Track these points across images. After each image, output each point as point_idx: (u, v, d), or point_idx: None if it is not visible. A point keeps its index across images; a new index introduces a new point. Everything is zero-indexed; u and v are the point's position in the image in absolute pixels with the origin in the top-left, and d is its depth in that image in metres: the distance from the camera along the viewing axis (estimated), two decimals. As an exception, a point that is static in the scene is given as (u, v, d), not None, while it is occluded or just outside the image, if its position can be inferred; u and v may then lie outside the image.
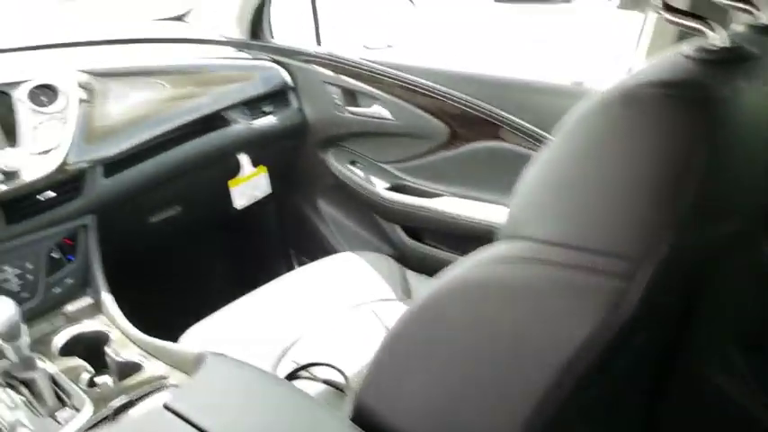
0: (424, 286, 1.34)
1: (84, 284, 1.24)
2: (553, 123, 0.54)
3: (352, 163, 1.61)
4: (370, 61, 1.43)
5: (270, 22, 1.64)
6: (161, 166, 1.34)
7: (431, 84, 1.32)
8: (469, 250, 0.57)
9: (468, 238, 1.35)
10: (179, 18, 1.78)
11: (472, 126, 1.34)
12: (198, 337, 1.14)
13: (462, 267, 0.55)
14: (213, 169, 1.49)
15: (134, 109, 1.31)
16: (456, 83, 1.30)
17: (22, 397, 0.99)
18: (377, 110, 1.47)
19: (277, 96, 1.58)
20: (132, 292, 1.29)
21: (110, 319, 1.18)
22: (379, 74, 1.40)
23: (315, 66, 1.55)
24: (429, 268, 1.45)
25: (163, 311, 1.17)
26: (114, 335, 1.14)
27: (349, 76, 1.49)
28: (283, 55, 1.59)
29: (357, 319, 1.22)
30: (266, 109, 1.56)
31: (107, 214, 1.27)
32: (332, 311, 1.23)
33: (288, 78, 1.60)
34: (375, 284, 1.33)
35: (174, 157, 1.37)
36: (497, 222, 0.58)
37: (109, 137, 1.24)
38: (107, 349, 1.09)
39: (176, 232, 1.55)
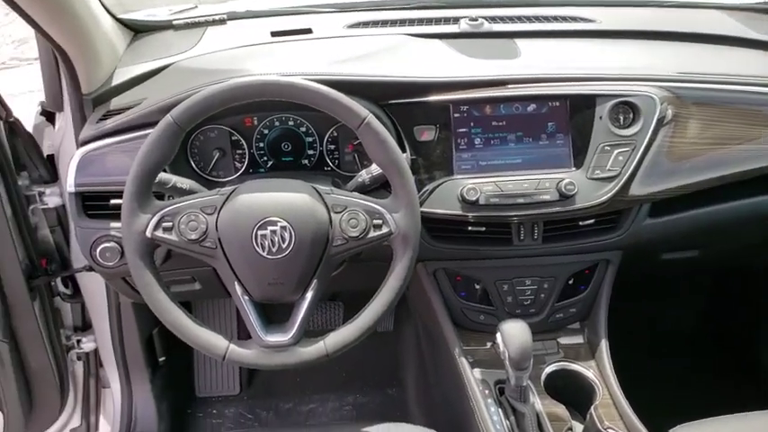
0: None
1: (582, 318, 1.16)
2: None
3: None
4: None
5: None
6: (713, 215, 1.11)
7: None
8: None
9: None
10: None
11: None
12: None
13: None
14: (760, 226, 1.18)
15: (706, 143, 1.08)
16: None
17: (507, 422, 1.00)
18: None
19: None
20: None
21: (600, 370, 1.08)
22: None
23: None
24: None
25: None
26: (601, 394, 1.04)
27: None
28: None
29: None
30: None
31: (633, 251, 1.13)
32: None
33: None
34: None
35: (730, 208, 1.11)
36: None
37: (671, 173, 1.06)
38: (593, 412, 1.00)
39: (679, 274, 1.34)
